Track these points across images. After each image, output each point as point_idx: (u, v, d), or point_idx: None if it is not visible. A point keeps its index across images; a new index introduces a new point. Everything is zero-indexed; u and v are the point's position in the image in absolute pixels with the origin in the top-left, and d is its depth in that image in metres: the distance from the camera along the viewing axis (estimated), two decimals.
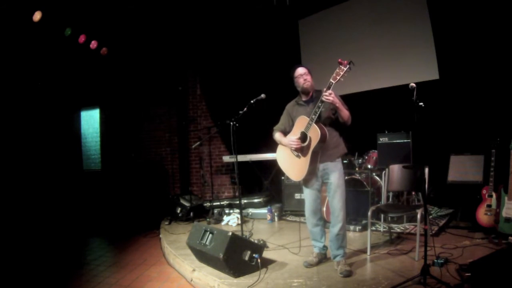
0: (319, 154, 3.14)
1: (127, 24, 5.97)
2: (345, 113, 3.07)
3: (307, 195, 3.32)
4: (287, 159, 3.30)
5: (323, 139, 3.03)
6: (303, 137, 3.11)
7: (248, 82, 6.20)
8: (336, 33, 6.14)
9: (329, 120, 3.17)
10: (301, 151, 3.17)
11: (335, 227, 3.17)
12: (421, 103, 2.78)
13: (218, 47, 6.78)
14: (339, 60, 2.89)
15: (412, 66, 5.23)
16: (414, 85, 2.81)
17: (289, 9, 5.88)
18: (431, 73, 5.01)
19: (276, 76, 6.40)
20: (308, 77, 3.23)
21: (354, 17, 5.88)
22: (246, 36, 6.51)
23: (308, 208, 3.34)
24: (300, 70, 3.24)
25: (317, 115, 3.00)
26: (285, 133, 3.39)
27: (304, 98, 3.31)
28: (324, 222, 3.45)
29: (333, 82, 2.92)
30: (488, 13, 4.42)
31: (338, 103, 3.00)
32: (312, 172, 3.19)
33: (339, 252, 3.18)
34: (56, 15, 5.15)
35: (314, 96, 3.25)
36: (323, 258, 3.40)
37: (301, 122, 3.15)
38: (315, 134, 3.01)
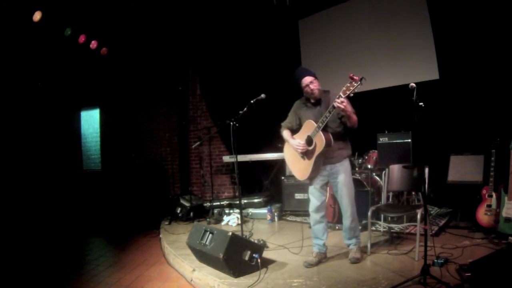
0: (322, 159, 3.25)
1: (127, 24, 5.97)
2: (353, 119, 3.13)
3: (312, 192, 3.40)
4: (293, 158, 3.43)
5: (328, 145, 3.12)
6: (309, 141, 3.21)
7: (248, 82, 6.19)
8: (336, 33, 6.14)
9: (336, 124, 3.25)
10: (306, 153, 3.27)
11: (346, 221, 3.34)
12: (421, 103, 2.78)
13: (218, 47, 6.78)
14: (351, 75, 2.87)
15: (412, 66, 5.22)
16: (414, 85, 2.81)
17: (289, 9, 5.88)
18: (431, 73, 5.01)
19: (276, 76, 6.41)
20: (315, 85, 3.24)
21: (354, 17, 5.88)
22: (246, 36, 6.51)
23: (312, 204, 3.40)
24: (307, 79, 3.24)
25: (324, 124, 3.08)
26: (292, 130, 3.48)
27: (312, 101, 3.35)
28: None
29: (343, 96, 2.92)
30: (488, 13, 4.42)
31: (349, 111, 3.05)
32: (315, 174, 3.30)
33: (351, 242, 3.38)
34: (56, 15, 5.15)
35: (322, 98, 3.29)
36: (323, 258, 3.41)
37: (308, 127, 3.24)
38: (320, 141, 3.12)
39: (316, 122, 3.13)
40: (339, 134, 3.26)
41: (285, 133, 3.50)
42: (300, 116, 3.41)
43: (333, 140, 3.15)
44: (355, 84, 2.87)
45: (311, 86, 3.23)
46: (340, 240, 3.72)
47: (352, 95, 2.92)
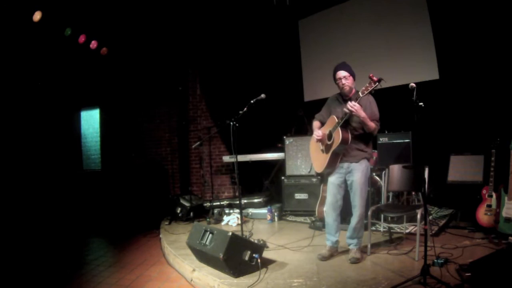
0: (339, 156, 3.36)
1: (127, 24, 5.98)
2: (369, 125, 3.22)
3: (329, 188, 3.49)
4: (315, 150, 3.62)
5: (344, 142, 3.23)
6: (329, 135, 3.34)
7: (248, 82, 6.19)
8: (336, 33, 6.14)
9: (358, 125, 3.32)
10: (325, 147, 3.41)
11: (353, 220, 3.40)
12: (421, 103, 2.79)
13: (218, 47, 6.78)
14: (370, 75, 3.00)
15: (412, 66, 5.22)
16: (414, 85, 2.82)
17: (289, 9, 5.87)
18: (431, 73, 5.01)
19: (276, 76, 6.41)
20: (348, 81, 3.36)
21: (354, 17, 5.88)
22: (246, 36, 6.51)
23: (328, 201, 3.48)
24: (341, 73, 3.37)
25: (343, 120, 3.20)
26: (323, 123, 3.58)
27: (344, 97, 3.45)
28: (341, 219, 3.56)
29: (361, 95, 3.07)
30: (488, 13, 4.42)
31: (363, 116, 3.16)
32: (331, 168, 3.41)
33: (352, 241, 3.42)
34: (56, 15, 5.15)
35: (352, 97, 3.34)
36: (335, 251, 3.51)
37: (331, 122, 3.38)
38: (337, 136, 3.26)
39: (338, 118, 3.25)
40: (360, 135, 3.35)
41: (314, 124, 3.63)
42: (331, 110, 3.51)
43: (352, 139, 3.25)
44: (373, 85, 3.00)
45: (343, 81, 3.35)
46: (340, 240, 3.72)
47: (373, 92, 3.07)
